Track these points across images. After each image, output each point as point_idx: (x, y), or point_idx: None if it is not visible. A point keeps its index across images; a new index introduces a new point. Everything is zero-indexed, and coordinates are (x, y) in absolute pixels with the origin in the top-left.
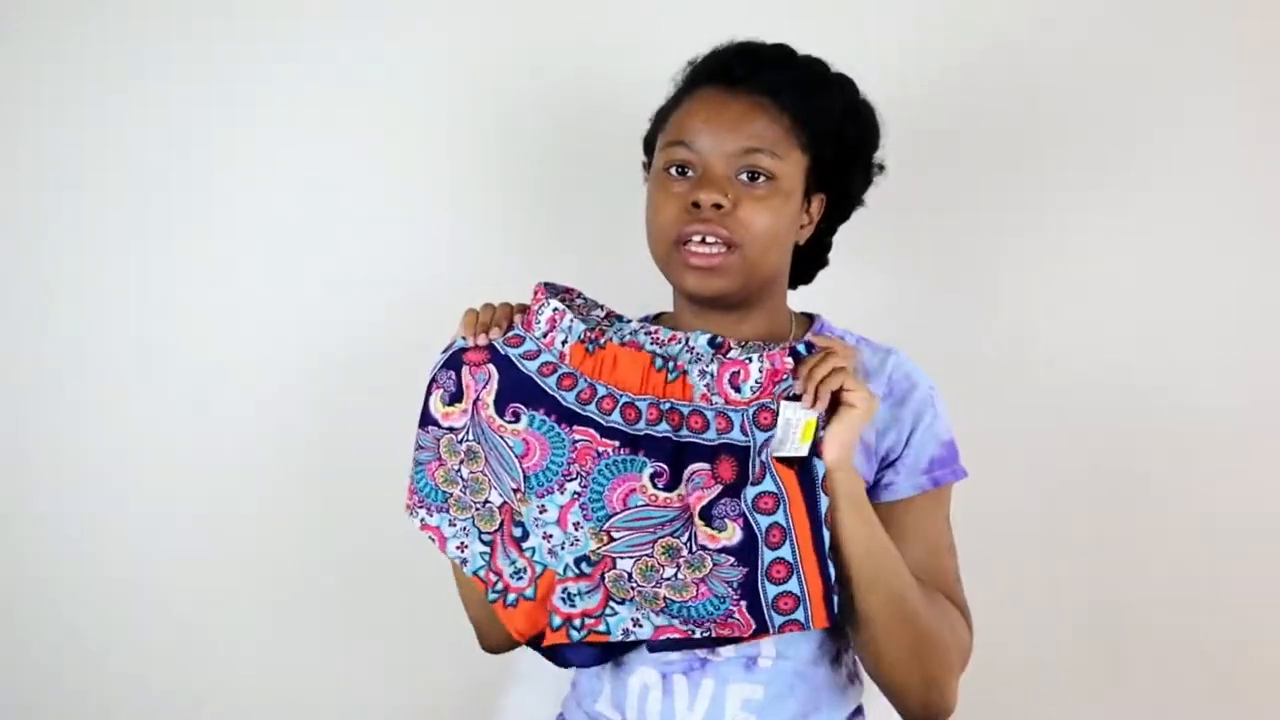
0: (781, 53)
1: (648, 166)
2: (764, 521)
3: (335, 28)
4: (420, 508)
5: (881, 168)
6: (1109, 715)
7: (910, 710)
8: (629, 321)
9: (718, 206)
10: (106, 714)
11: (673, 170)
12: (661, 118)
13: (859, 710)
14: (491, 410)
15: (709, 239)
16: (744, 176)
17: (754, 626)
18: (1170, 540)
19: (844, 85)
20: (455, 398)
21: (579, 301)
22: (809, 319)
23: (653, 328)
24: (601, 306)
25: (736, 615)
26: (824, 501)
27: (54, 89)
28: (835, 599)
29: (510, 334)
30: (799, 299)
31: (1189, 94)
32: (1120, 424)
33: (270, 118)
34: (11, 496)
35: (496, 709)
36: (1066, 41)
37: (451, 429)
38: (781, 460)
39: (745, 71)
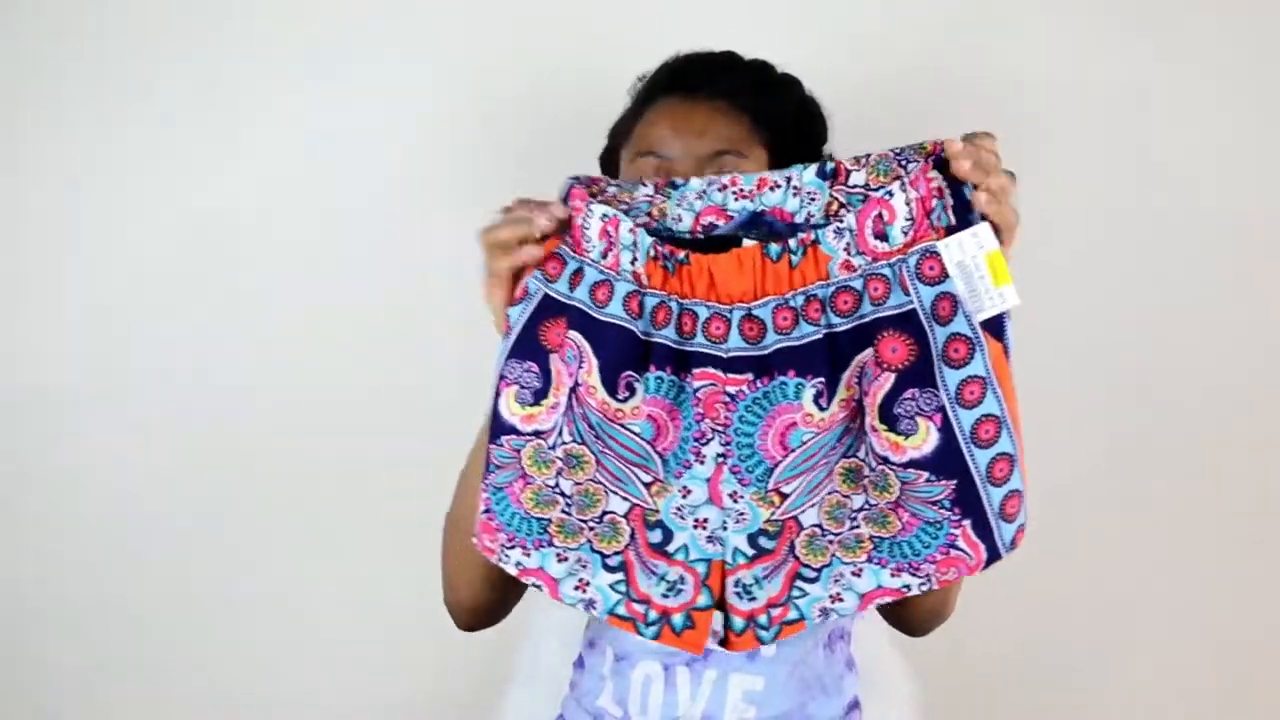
0: (730, 58)
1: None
2: (969, 417)
3: (334, 32)
4: (511, 547)
5: (831, 159)
6: (1109, 714)
7: (928, 616)
8: (687, 185)
9: None
10: (106, 714)
11: (643, 172)
12: (620, 133)
13: (855, 703)
14: (603, 393)
15: None
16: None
17: (985, 555)
18: (1168, 540)
19: (791, 83)
20: (540, 394)
21: (611, 192)
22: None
23: (725, 179)
24: (642, 181)
25: (961, 543)
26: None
27: (53, 90)
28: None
29: (552, 259)
30: None
31: (1179, 88)
32: (1113, 423)
33: (265, 119)
34: (11, 497)
35: (496, 709)
36: (1049, 37)
37: (537, 433)
38: (984, 325)
39: (701, 79)
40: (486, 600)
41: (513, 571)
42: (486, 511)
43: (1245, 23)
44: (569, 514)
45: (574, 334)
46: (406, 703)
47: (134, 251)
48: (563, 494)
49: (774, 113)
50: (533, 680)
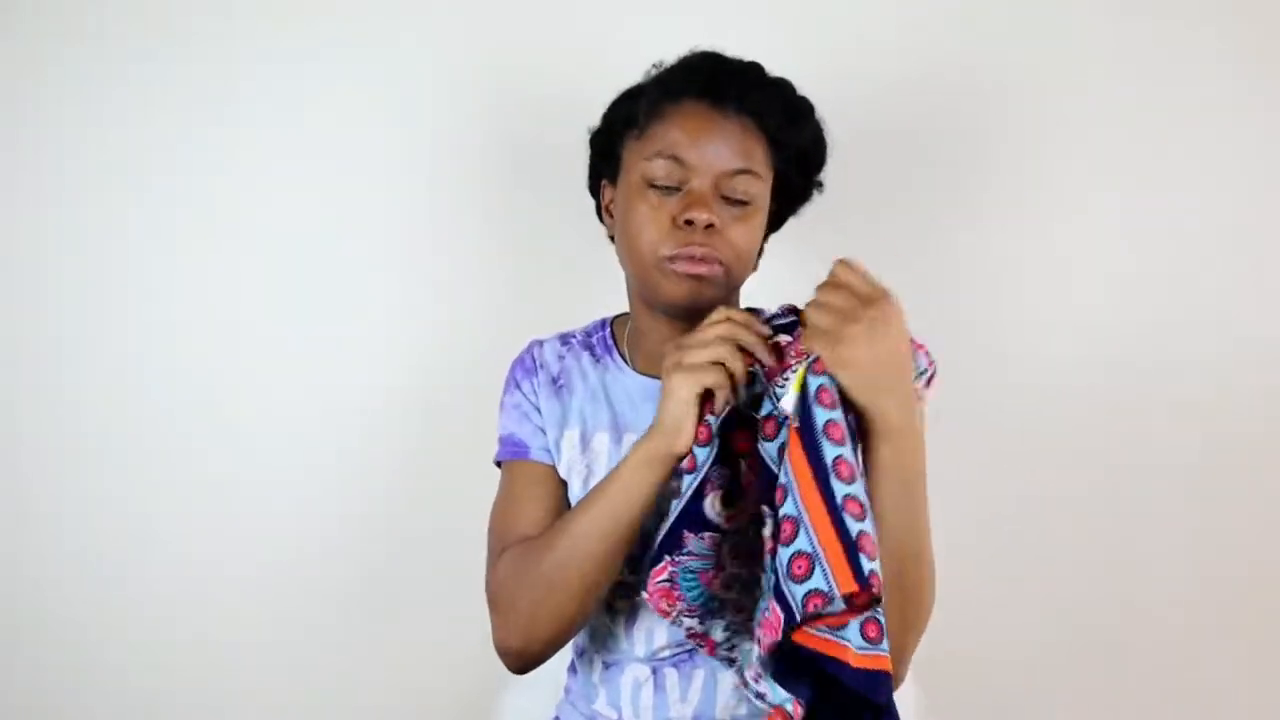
0: (758, 72)
1: (606, 168)
2: (771, 519)
3: (336, 33)
4: (690, 615)
5: (821, 185)
6: (1100, 715)
7: None
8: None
9: (709, 226)
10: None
11: (658, 184)
12: (628, 118)
13: None
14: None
15: (698, 255)
16: (728, 196)
17: (782, 616)
18: (1157, 540)
19: (809, 110)
20: (735, 496)
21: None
22: (754, 314)
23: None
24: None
25: (769, 610)
26: (828, 450)
27: (54, 92)
28: (862, 557)
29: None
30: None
31: (1165, 89)
32: (1098, 423)
33: (257, 122)
34: (12, 498)
35: (493, 711)
36: (1036, 39)
37: (736, 530)
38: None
39: (732, 90)
40: (563, 639)
41: (682, 632)
42: (670, 582)
43: (1250, 25)
44: (743, 595)
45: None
46: (406, 704)
47: (135, 258)
48: (741, 580)
49: (791, 143)
50: (529, 683)
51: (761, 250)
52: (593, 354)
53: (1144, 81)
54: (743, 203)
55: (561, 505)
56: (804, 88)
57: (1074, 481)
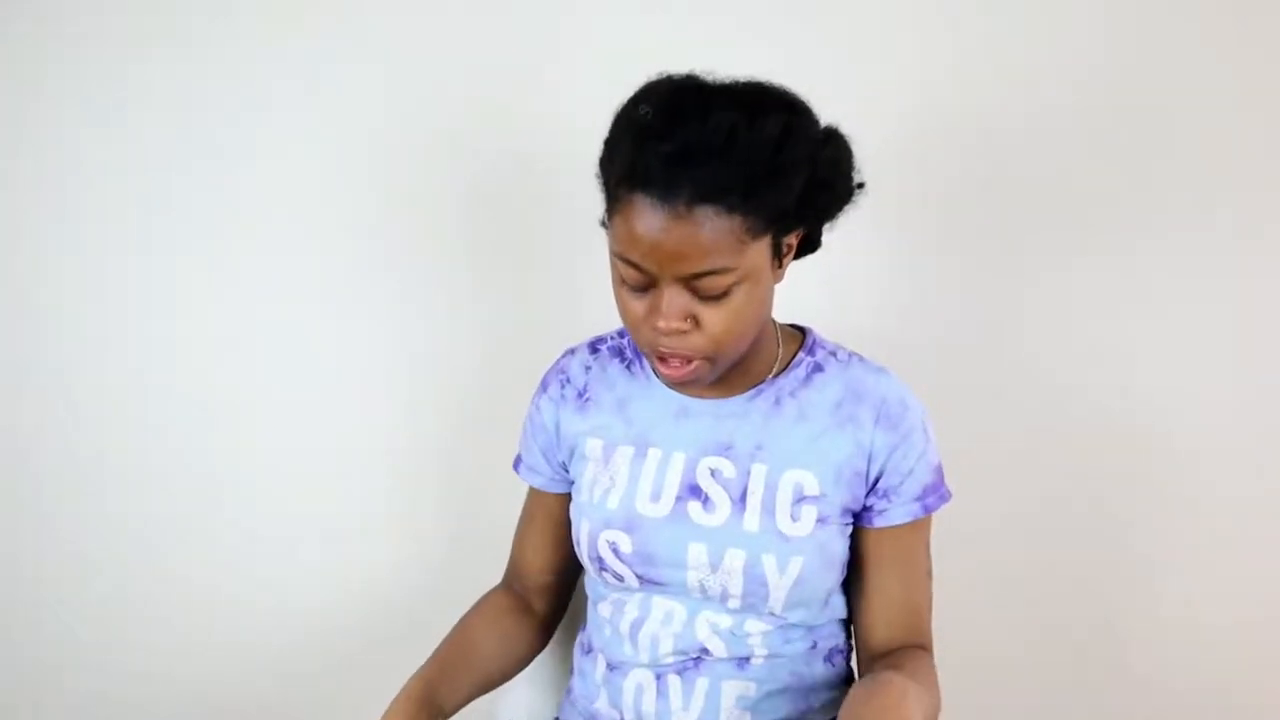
0: (713, 137)
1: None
2: None
3: (330, 36)
4: None
5: (861, 185)
6: (1100, 715)
7: None
8: None
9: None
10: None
11: (628, 285)
12: (607, 183)
13: None
14: None
15: (669, 358)
16: (699, 293)
17: None
18: (1159, 545)
19: (799, 142)
20: None
21: None
22: (800, 333)
23: None
24: None
25: None
26: None
27: (52, 94)
28: None
29: None
30: (797, 302)
31: (1198, 114)
32: (1114, 431)
33: (256, 125)
34: (13, 498)
35: (495, 708)
36: (1082, 66)
37: None
38: None
39: (682, 176)
40: None
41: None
42: None
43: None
44: None
45: None
46: None
47: (136, 258)
48: None
49: (773, 200)
50: (530, 683)
51: (819, 236)
52: (623, 359)
53: (1176, 103)
54: (717, 297)
55: (553, 529)
56: (816, 89)
57: (1074, 488)
